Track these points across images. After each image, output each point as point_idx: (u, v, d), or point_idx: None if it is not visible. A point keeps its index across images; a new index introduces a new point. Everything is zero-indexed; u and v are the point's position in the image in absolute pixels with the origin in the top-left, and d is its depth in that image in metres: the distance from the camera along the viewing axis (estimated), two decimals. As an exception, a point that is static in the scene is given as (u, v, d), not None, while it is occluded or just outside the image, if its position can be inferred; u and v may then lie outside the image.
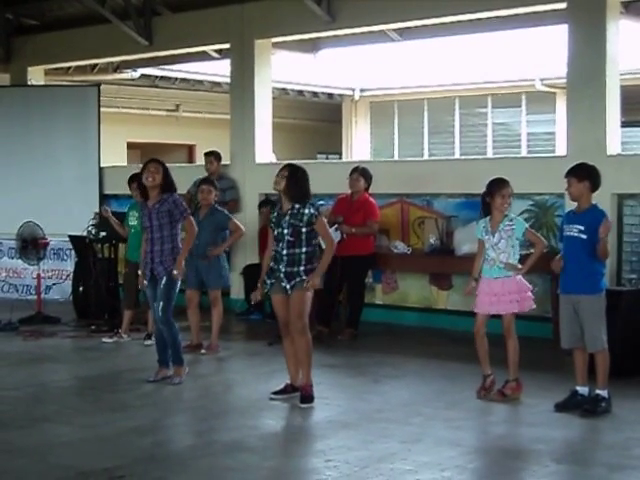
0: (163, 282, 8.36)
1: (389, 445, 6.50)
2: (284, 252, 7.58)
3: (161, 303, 8.35)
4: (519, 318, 7.95)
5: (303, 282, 7.54)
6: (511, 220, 7.84)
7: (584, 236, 7.29)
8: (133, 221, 10.38)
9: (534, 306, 7.89)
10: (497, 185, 7.83)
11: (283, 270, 7.58)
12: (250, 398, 7.94)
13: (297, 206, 7.57)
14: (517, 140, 19.99)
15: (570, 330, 7.38)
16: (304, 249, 7.58)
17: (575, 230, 7.33)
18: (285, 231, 7.56)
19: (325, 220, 7.82)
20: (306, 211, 7.55)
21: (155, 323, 8.61)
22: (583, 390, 7.38)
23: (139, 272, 8.72)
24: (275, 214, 7.74)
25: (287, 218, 7.57)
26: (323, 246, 10.58)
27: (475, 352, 7.89)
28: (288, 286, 7.58)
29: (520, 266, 7.79)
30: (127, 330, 10.63)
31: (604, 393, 7.29)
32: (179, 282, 8.54)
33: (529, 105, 19.84)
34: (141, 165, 8.89)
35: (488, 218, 7.90)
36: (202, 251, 9.67)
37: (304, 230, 7.56)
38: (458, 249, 10.54)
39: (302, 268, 7.56)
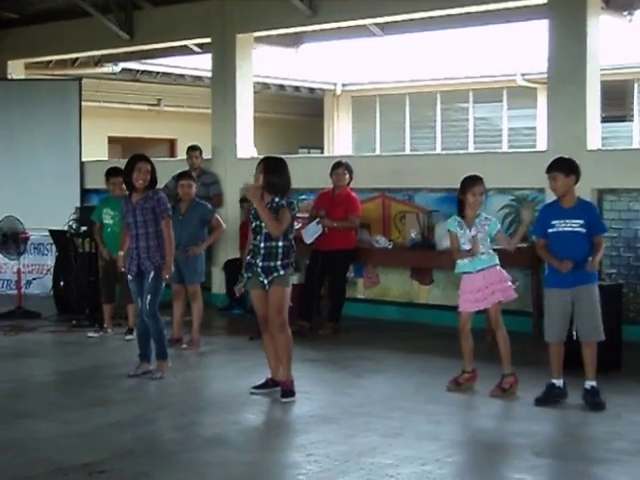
0: (151, 276, 8.32)
1: (370, 439, 6.51)
2: (262, 245, 7.55)
3: (148, 296, 8.32)
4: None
5: (281, 277, 7.54)
6: (486, 218, 7.84)
7: (584, 230, 7.31)
8: (108, 219, 10.31)
9: (516, 295, 7.90)
10: (468, 182, 7.82)
11: (260, 265, 7.55)
12: (231, 393, 7.94)
13: (277, 199, 7.55)
14: (498, 135, 20.07)
15: (562, 324, 7.40)
16: (281, 242, 7.55)
17: (575, 225, 7.31)
18: (263, 224, 7.54)
19: (289, 215, 7.57)
20: (280, 202, 7.52)
21: (138, 317, 8.58)
22: (559, 382, 7.44)
23: (120, 266, 8.71)
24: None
25: None
26: (305, 240, 10.62)
27: (459, 348, 7.91)
28: (266, 281, 7.56)
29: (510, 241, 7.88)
30: (110, 324, 10.62)
31: (596, 384, 7.36)
32: None
33: (510, 100, 19.91)
34: (123, 160, 8.83)
35: (461, 216, 7.90)
36: (184, 244, 9.62)
37: None
38: (439, 244, 10.54)
39: (279, 262, 7.54)
